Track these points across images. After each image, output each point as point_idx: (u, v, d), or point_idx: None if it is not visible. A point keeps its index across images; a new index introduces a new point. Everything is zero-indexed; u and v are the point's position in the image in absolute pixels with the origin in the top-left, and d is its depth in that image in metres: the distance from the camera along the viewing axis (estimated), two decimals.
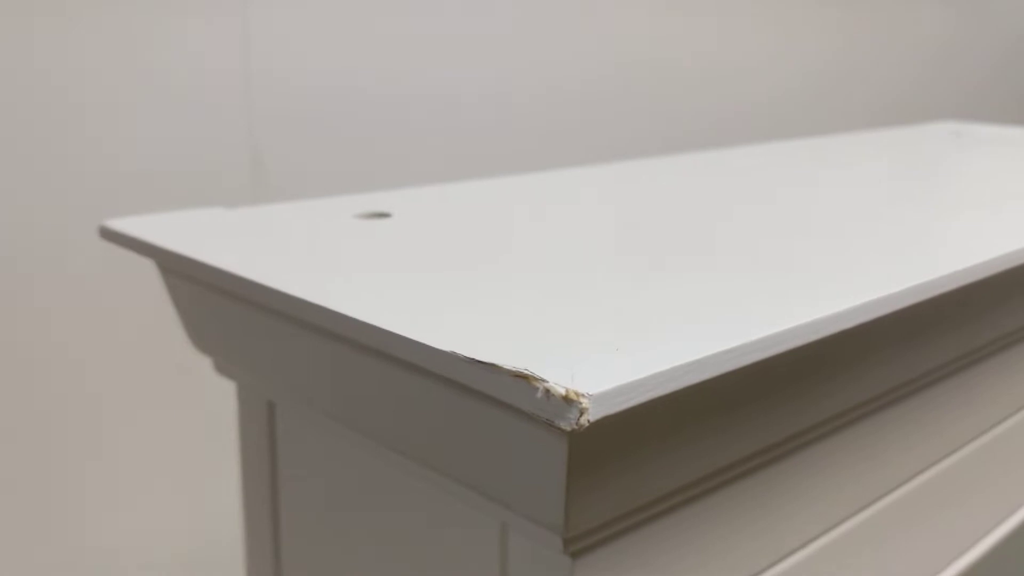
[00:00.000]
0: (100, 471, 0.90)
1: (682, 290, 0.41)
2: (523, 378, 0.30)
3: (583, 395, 0.29)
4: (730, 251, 0.49)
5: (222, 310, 0.51)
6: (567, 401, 0.29)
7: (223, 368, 0.56)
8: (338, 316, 0.38)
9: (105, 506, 0.91)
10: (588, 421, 0.29)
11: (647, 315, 0.37)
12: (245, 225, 0.53)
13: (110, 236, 0.51)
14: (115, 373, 0.88)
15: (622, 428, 0.35)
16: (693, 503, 0.43)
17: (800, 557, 0.49)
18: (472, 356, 0.32)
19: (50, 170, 0.82)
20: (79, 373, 0.86)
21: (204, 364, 0.60)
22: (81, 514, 0.90)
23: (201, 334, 0.54)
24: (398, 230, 0.52)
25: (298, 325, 0.45)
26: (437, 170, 1.06)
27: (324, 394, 0.48)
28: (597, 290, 0.41)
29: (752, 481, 0.45)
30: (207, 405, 0.86)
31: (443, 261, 0.46)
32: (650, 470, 0.38)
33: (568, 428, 0.29)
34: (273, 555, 0.57)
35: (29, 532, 0.88)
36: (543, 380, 0.30)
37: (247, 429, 0.57)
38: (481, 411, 0.37)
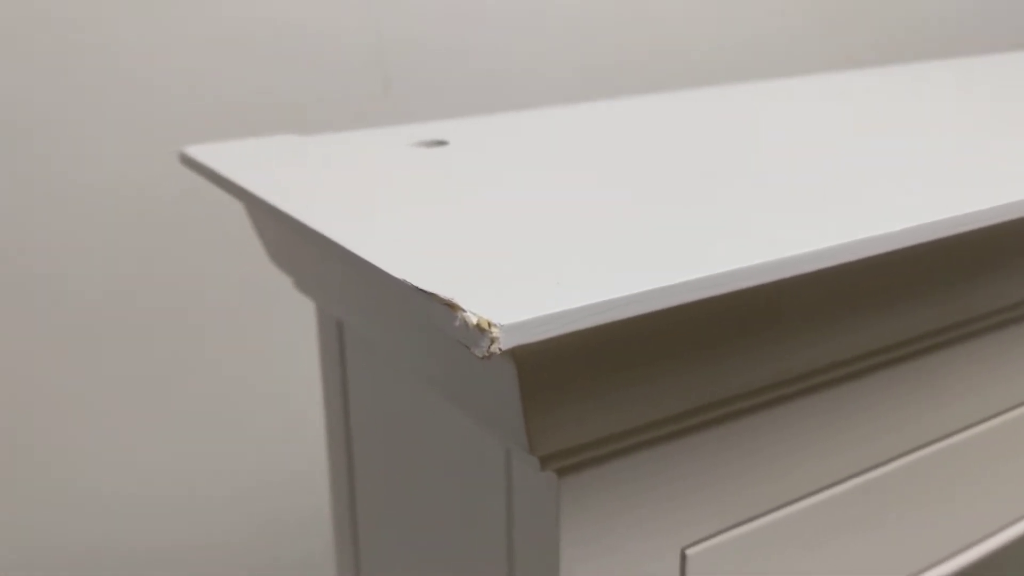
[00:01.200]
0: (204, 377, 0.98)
1: (670, 224, 0.41)
2: (450, 307, 0.32)
3: (494, 325, 0.31)
4: (763, 183, 0.48)
5: (287, 235, 0.55)
6: (480, 330, 0.31)
7: (301, 285, 0.60)
8: (338, 248, 0.40)
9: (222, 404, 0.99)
10: (499, 349, 0.31)
11: (619, 248, 0.38)
12: (309, 154, 0.56)
13: (189, 163, 0.56)
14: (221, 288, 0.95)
15: (573, 357, 0.37)
16: (686, 436, 0.44)
17: (794, 510, 0.49)
18: (417, 285, 0.34)
19: (193, 98, 0.89)
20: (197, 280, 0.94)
21: None
22: (206, 410, 0.98)
23: (275, 254, 0.59)
24: (447, 159, 0.54)
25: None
26: (566, 93, 1.07)
27: (371, 320, 0.51)
28: (587, 224, 0.42)
29: (736, 426, 0.45)
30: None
31: (470, 190, 0.48)
32: (613, 401, 0.39)
33: (480, 355, 0.31)
34: (346, 457, 0.62)
35: (142, 430, 0.97)
36: (462, 309, 0.32)
37: (324, 343, 0.61)
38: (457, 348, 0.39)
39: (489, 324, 0.31)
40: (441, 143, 0.57)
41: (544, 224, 0.42)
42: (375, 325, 0.51)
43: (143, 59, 0.87)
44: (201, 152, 0.55)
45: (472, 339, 0.31)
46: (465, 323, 0.31)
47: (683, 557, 0.46)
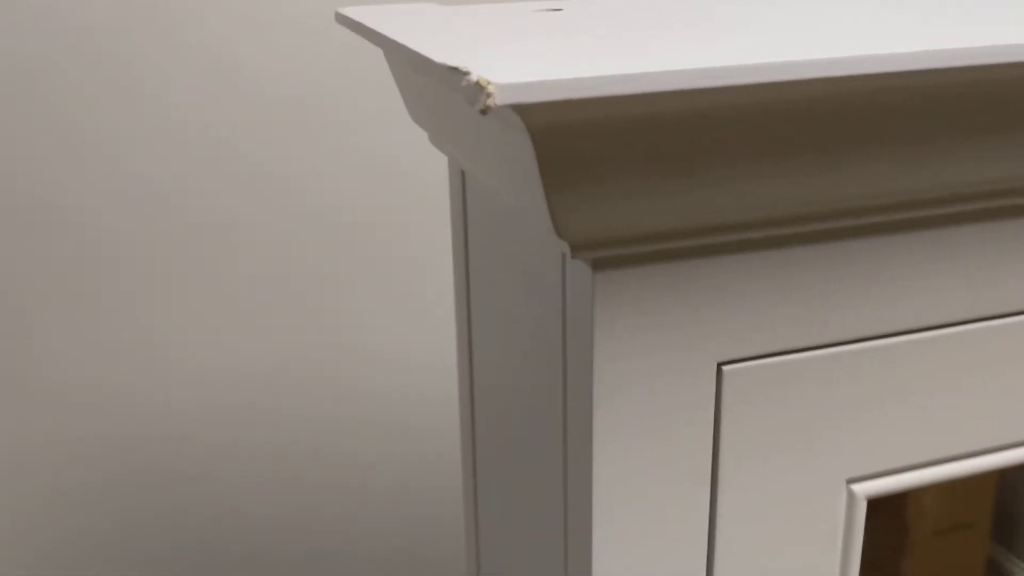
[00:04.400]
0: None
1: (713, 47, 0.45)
2: (462, 73, 0.38)
3: (491, 83, 0.37)
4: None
5: (420, 87, 0.62)
6: (479, 87, 0.37)
7: (435, 140, 0.67)
8: (410, 52, 0.47)
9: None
10: (495, 104, 0.37)
11: (649, 53, 0.42)
12: (440, 15, 0.63)
13: (342, 21, 0.64)
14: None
15: (600, 139, 0.41)
16: (735, 252, 0.48)
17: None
18: (446, 63, 0.40)
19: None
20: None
21: None
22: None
23: (412, 108, 0.66)
24: (551, 19, 0.59)
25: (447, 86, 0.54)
26: None
27: (470, 149, 0.57)
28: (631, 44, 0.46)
29: (791, 253, 0.48)
30: None
31: (550, 33, 0.53)
32: (649, 197, 0.43)
33: (479, 110, 0.37)
34: (466, 290, 0.69)
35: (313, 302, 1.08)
36: (469, 73, 0.38)
37: (453, 193, 0.69)
38: (503, 133, 0.45)
39: (488, 83, 0.37)
40: (556, 10, 0.63)
41: (595, 44, 0.46)
42: (475, 160, 0.57)
43: None
44: (353, 11, 0.64)
45: (473, 96, 0.37)
46: (468, 83, 0.37)
47: (719, 372, 0.50)
